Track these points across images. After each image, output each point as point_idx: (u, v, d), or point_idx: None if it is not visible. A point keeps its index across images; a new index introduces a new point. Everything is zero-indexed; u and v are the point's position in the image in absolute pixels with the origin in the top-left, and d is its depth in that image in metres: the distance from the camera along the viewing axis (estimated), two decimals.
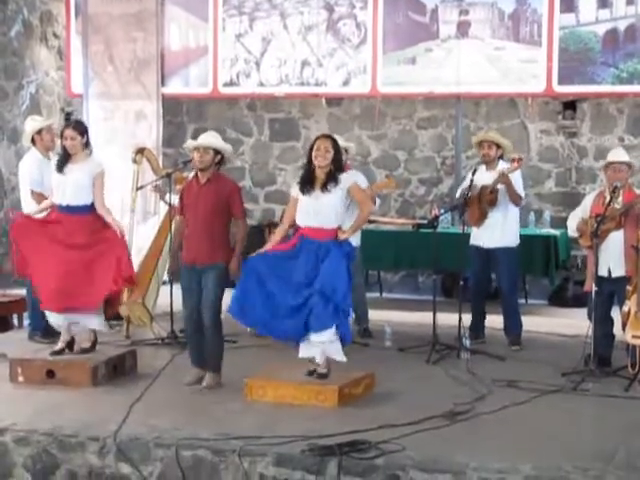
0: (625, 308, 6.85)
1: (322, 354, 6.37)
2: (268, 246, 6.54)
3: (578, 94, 10.55)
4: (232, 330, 7.44)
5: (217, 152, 6.67)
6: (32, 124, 8.30)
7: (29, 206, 7.85)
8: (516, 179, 8.04)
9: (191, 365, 6.79)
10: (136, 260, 8.54)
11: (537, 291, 10.59)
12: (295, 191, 6.50)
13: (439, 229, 8.40)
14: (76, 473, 5.55)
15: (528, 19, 10.10)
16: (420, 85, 10.46)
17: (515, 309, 8.23)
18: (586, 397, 6.48)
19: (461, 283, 7.95)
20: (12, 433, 5.69)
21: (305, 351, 6.42)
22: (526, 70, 10.11)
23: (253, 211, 11.83)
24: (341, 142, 6.81)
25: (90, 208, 7.04)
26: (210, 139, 6.73)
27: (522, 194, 8.16)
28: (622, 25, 9.84)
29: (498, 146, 8.17)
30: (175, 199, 7.42)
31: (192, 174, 6.90)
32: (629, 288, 6.84)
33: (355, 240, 7.20)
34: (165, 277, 8.66)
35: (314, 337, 6.29)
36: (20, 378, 6.89)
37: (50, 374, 6.85)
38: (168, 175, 8.24)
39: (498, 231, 8.06)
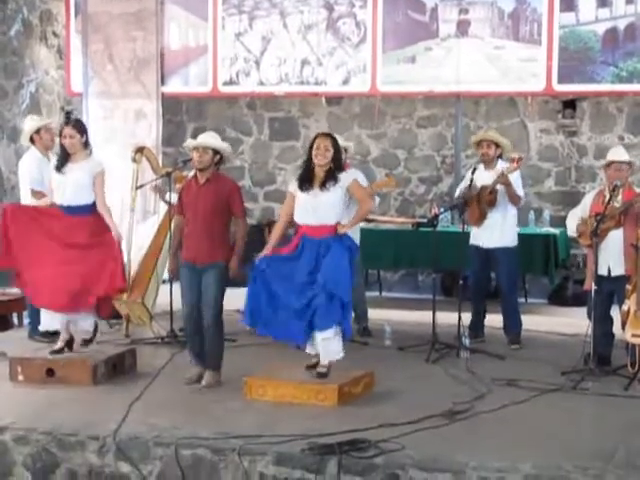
0: (625, 307, 6.85)
1: (324, 352, 6.37)
2: (269, 245, 6.54)
3: (578, 93, 10.56)
4: (232, 329, 7.44)
5: (216, 152, 6.68)
6: (30, 123, 8.30)
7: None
8: (515, 179, 8.03)
9: (191, 364, 6.79)
10: (136, 259, 8.57)
11: (537, 290, 10.59)
12: (293, 187, 6.50)
13: (439, 228, 8.39)
14: (76, 472, 5.55)
15: (528, 18, 10.09)
16: (420, 84, 10.46)
17: (515, 308, 8.23)
18: (586, 396, 6.48)
19: (461, 282, 7.95)
20: (12, 432, 5.69)
21: (310, 348, 6.48)
22: (526, 69, 10.10)
23: (253, 210, 11.83)
24: (340, 141, 6.80)
25: (91, 208, 7.03)
26: (209, 139, 6.73)
27: (522, 194, 8.15)
28: (622, 24, 9.83)
29: (497, 145, 8.17)
30: (175, 198, 7.42)
31: (191, 174, 6.90)
32: (629, 287, 6.84)
33: (354, 239, 7.19)
34: (165, 276, 8.65)
35: (318, 335, 6.30)
36: (20, 377, 6.89)
37: (50, 373, 6.85)
38: (168, 174, 8.24)
39: (497, 231, 8.07)
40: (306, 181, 6.39)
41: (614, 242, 7.04)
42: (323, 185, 6.31)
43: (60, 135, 7.09)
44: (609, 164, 7.24)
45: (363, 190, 6.71)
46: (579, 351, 7.09)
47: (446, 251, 8.20)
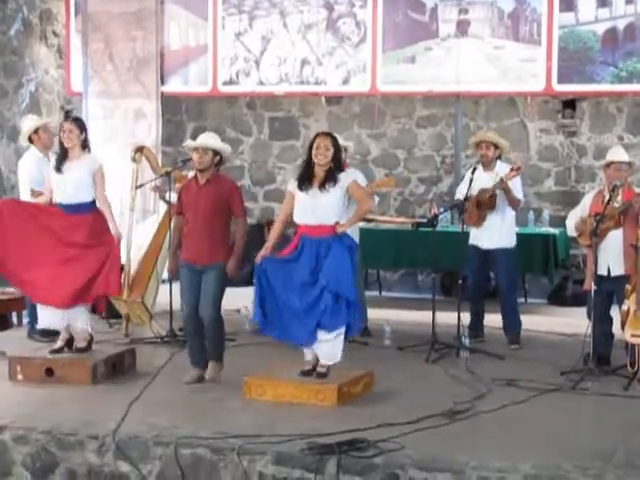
0: (624, 307, 6.84)
1: (325, 353, 6.36)
2: (268, 244, 6.52)
3: (577, 93, 10.56)
4: (232, 329, 7.44)
5: (216, 153, 6.68)
6: (28, 123, 8.31)
7: None
8: (515, 183, 8.05)
9: (190, 365, 6.79)
10: (135, 258, 8.57)
11: (536, 290, 10.59)
12: (292, 186, 6.49)
13: (438, 228, 8.39)
14: (75, 471, 5.55)
15: (527, 18, 10.09)
16: (420, 84, 10.45)
17: (514, 308, 8.24)
18: (585, 396, 6.48)
19: (460, 282, 7.95)
20: (11, 431, 5.69)
21: (308, 351, 6.44)
22: (525, 69, 10.10)
23: (252, 210, 11.83)
24: (340, 141, 6.80)
25: (90, 206, 7.04)
26: (209, 140, 6.74)
27: (521, 197, 8.18)
28: (621, 24, 9.83)
29: (496, 146, 8.18)
30: (175, 198, 7.42)
31: (191, 174, 6.90)
32: (628, 287, 6.83)
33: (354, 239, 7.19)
34: (164, 276, 8.65)
35: (321, 335, 6.29)
36: (19, 376, 6.89)
37: (49, 372, 6.85)
38: (167, 174, 8.24)
39: (496, 233, 8.09)
40: (305, 180, 6.38)
41: (614, 242, 7.04)
42: (322, 186, 6.30)
43: (60, 131, 7.08)
44: (609, 164, 7.24)
45: (362, 190, 6.70)
46: (579, 351, 7.09)
47: (445, 251, 8.20)
